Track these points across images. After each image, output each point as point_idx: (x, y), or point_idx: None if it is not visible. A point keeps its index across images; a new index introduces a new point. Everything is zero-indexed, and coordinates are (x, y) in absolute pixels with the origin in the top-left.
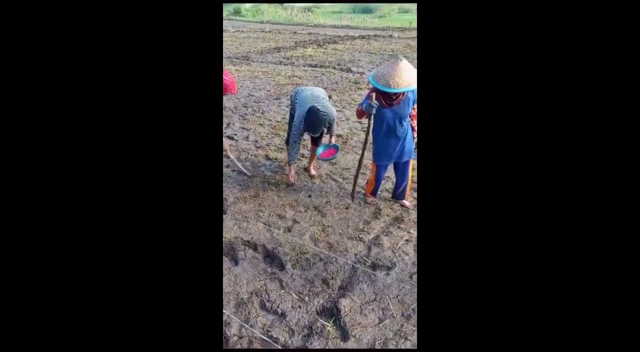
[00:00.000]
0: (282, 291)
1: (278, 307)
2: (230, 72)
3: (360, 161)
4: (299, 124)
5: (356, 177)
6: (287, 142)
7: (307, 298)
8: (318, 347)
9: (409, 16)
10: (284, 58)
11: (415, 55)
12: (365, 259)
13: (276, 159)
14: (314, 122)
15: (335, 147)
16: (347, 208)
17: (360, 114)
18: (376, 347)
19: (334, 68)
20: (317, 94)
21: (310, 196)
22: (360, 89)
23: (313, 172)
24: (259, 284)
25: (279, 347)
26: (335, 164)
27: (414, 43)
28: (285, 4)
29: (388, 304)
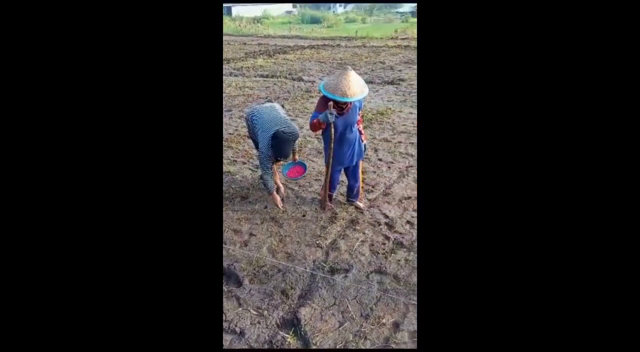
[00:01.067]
0: (240, 309)
1: (236, 325)
2: None
3: (327, 171)
4: (267, 151)
5: (325, 188)
6: (260, 176)
7: (266, 312)
8: None
9: (354, 26)
10: (234, 69)
11: (362, 63)
12: (324, 264)
13: (229, 172)
14: (282, 147)
15: (302, 165)
16: (303, 216)
17: (316, 126)
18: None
19: (286, 78)
20: (275, 114)
21: (266, 207)
22: (312, 97)
23: (282, 188)
24: None
25: (279, 348)
26: None
27: (360, 51)
28: (233, 15)
29: (347, 306)
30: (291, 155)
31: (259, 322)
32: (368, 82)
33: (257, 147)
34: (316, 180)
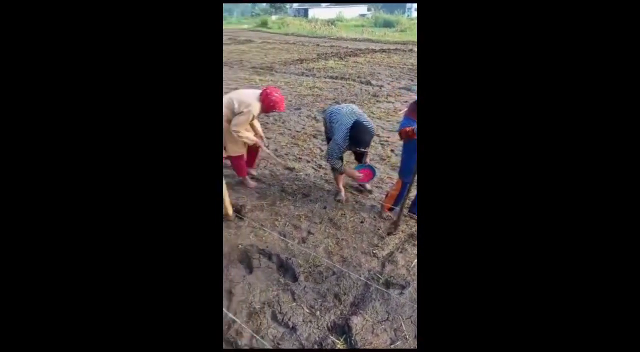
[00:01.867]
0: (294, 304)
1: (289, 320)
2: (280, 88)
3: (404, 187)
4: (342, 142)
5: (402, 206)
6: (327, 160)
7: (318, 313)
8: None
9: None
10: (306, 69)
11: None
12: (379, 276)
13: (294, 168)
14: (361, 137)
15: (371, 169)
16: (362, 222)
17: (408, 134)
18: None
19: (354, 80)
20: (356, 110)
21: (325, 208)
22: (379, 102)
23: (343, 191)
24: (271, 295)
25: (279, 348)
26: None
27: None
28: (310, 17)
29: (401, 324)
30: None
31: (310, 322)
32: None
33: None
34: (376, 187)
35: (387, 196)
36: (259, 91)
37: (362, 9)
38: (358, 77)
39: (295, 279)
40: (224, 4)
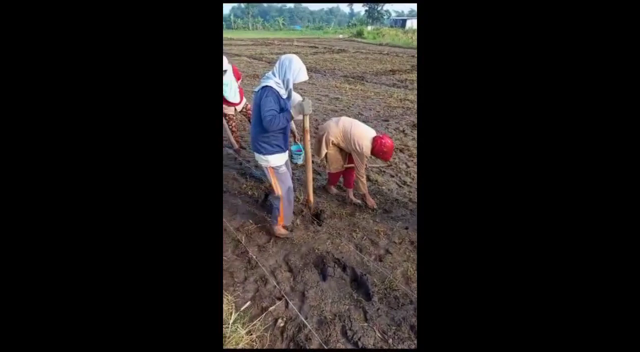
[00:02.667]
0: (366, 324)
1: (359, 339)
2: (391, 139)
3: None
4: None
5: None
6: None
7: (391, 341)
8: None
9: None
10: (398, 81)
11: None
12: None
13: (376, 181)
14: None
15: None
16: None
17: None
18: None
19: None
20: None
21: (407, 229)
22: None
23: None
24: (343, 308)
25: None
26: None
27: None
28: (407, 28)
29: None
30: None
31: (382, 347)
32: None
33: None
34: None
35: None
36: (373, 133)
37: None
38: None
39: (368, 297)
40: (320, 14)
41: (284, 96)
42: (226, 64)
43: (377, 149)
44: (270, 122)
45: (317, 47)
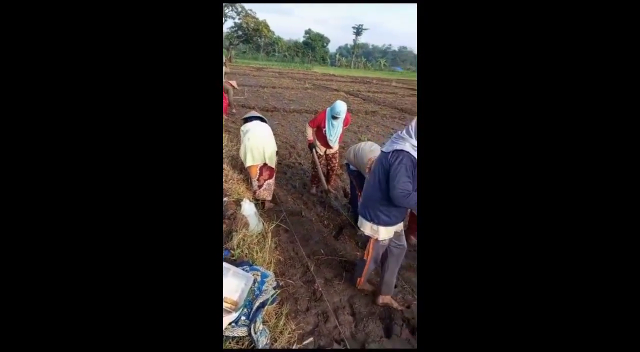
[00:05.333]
0: None
1: None
2: None
3: None
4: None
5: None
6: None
7: None
8: None
9: None
10: None
11: None
12: None
13: None
14: None
15: None
16: None
17: None
18: None
19: None
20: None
21: None
22: None
23: None
24: None
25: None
26: None
27: None
28: None
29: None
30: None
31: None
32: None
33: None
34: None
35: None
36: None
37: None
38: None
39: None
40: None
41: None
42: (344, 112)
43: None
44: (401, 199)
45: (415, 90)
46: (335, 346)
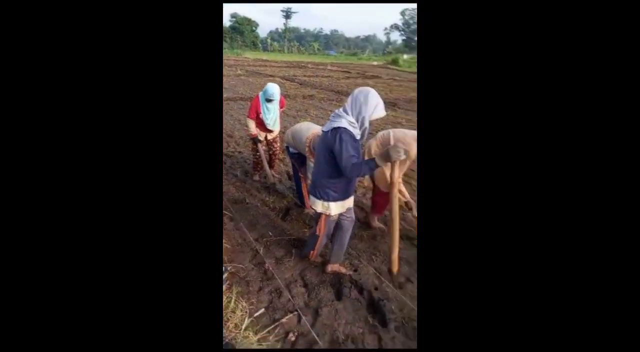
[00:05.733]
0: None
1: None
2: None
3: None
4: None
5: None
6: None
7: None
8: None
9: None
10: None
11: None
12: None
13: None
14: None
15: None
16: None
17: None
18: None
19: None
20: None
21: None
22: None
23: None
24: (357, 331)
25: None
26: None
27: None
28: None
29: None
30: None
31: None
32: None
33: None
34: None
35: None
36: (415, 132)
37: None
38: None
39: (384, 324)
40: (355, 41)
41: (358, 136)
42: (277, 94)
43: None
44: (352, 172)
45: (350, 73)
46: (290, 316)
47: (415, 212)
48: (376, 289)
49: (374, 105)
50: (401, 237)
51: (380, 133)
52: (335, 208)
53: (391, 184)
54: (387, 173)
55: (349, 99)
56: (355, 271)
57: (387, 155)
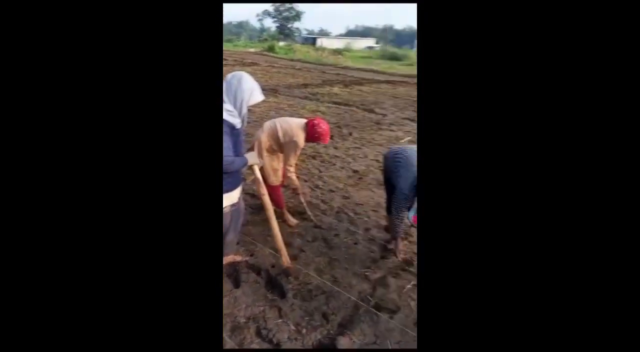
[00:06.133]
0: (280, 320)
1: (274, 336)
2: (326, 121)
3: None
4: (409, 192)
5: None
6: (388, 212)
7: (304, 331)
8: None
9: None
10: (310, 94)
11: None
12: (369, 298)
13: (288, 185)
14: None
15: None
16: (355, 244)
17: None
18: None
19: (357, 107)
20: None
21: (319, 227)
22: (381, 129)
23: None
24: (257, 310)
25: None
26: (349, 198)
27: None
28: (317, 45)
29: (389, 350)
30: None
31: (295, 339)
32: None
33: (389, 187)
34: (373, 210)
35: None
36: (303, 121)
37: (369, 41)
38: (362, 104)
39: (283, 295)
40: (228, 27)
41: (239, 126)
42: None
43: (312, 133)
44: (227, 167)
45: (227, 60)
46: None
47: (304, 199)
48: (273, 266)
49: (250, 90)
50: (291, 211)
51: (267, 124)
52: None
53: (256, 182)
54: (270, 168)
55: (224, 86)
56: (251, 255)
57: (252, 158)
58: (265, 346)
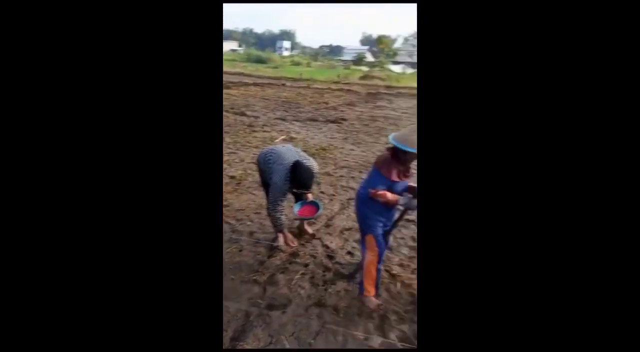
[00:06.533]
0: None
1: None
2: None
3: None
4: (282, 184)
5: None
6: (269, 213)
7: None
8: None
9: (299, 68)
10: None
11: (306, 102)
12: (260, 301)
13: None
14: (304, 177)
15: (315, 204)
16: (240, 251)
17: (387, 200)
18: None
19: (227, 111)
20: (293, 150)
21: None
22: (255, 131)
23: (310, 230)
24: None
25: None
26: (229, 206)
27: (305, 92)
28: None
29: (284, 344)
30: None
31: None
32: (312, 120)
33: (267, 187)
34: (255, 213)
35: (367, 270)
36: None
37: (233, 44)
38: (232, 108)
39: None
40: None
41: None
42: None
43: None
44: None
45: None
46: None
47: None
48: None
49: None
50: None
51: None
52: None
53: None
54: None
55: None
56: None
57: None
58: None
